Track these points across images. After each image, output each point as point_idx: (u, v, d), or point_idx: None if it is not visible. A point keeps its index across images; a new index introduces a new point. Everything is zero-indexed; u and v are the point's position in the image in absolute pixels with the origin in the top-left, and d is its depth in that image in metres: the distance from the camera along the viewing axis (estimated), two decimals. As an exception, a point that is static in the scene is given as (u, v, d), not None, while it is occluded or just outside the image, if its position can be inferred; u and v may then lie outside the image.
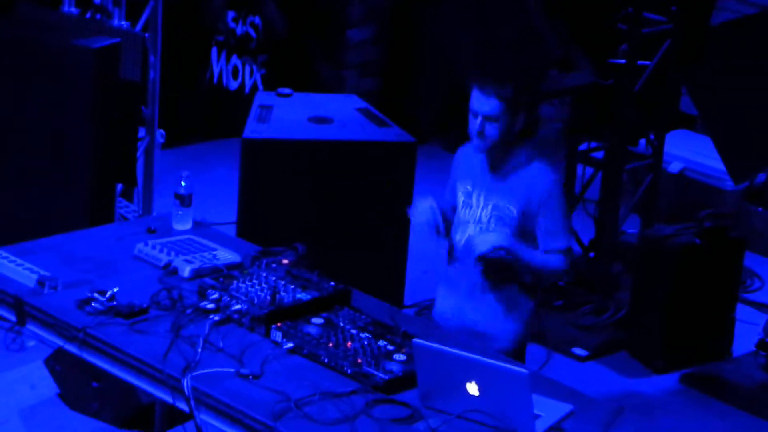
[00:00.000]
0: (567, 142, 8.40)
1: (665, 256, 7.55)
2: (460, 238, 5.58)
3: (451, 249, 5.72)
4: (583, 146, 8.12)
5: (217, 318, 5.50)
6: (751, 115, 7.29)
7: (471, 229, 5.49)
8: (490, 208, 5.44)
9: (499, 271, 5.44)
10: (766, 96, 7.28)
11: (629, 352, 7.69)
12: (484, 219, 5.45)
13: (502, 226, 5.42)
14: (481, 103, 5.25)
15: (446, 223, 5.65)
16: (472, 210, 5.48)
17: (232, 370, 4.99)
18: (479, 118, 5.26)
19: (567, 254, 5.47)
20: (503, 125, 5.27)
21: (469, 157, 5.51)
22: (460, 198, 5.57)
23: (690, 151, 9.22)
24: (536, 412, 4.72)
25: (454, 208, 5.65)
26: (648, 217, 8.20)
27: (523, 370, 4.75)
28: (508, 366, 4.80)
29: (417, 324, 5.84)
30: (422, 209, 5.59)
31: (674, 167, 9.10)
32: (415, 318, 6.86)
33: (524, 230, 5.41)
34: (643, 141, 8.27)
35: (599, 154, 8.00)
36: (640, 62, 7.78)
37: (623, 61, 7.73)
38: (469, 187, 5.49)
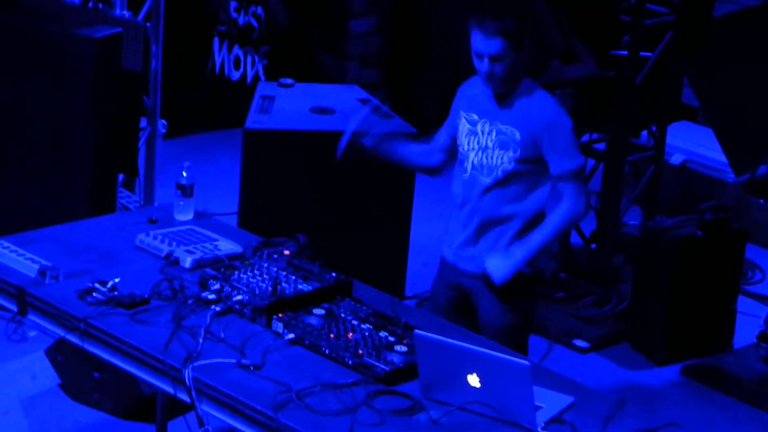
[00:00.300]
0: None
1: (667, 248, 7.55)
2: (465, 166, 5.53)
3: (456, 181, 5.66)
4: (584, 138, 8.12)
5: (218, 309, 5.47)
6: (753, 108, 7.26)
7: (473, 156, 5.47)
8: (494, 133, 5.45)
9: (522, 287, 5.37)
10: (762, 93, 7.27)
11: (630, 344, 7.68)
12: (489, 144, 5.46)
13: (506, 150, 5.41)
14: (486, 44, 5.23)
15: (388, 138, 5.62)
16: (476, 137, 5.49)
17: (234, 360, 4.98)
18: (485, 59, 5.26)
19: (579, 176, 5.43)
20: (510, 62, 5.28)
21: (475, 89, 5.52)
22: (465, 127, 5.53)
23: (692, 143, 9.21)
24: (537, 403, 4.71)
25: (453, 138, 5.60)
26: (649, 209, 8.18)
27: (524, 361, 4.76)
28: (509, 358, 4.80)
29: (418, 315, 5.82)
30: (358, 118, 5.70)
31: (676, 159, 9.11)
32: (416, 309, 6.83)
33: (529, 155, 5.36)
34: (644, 133, 8.23)
35: (601, 146, 8.01)
36: (642, 54, 7.75)
37: (625, 52, 7.70)
38: (475, 116, 5.49)
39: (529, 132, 5.39)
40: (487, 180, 5.52)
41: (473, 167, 5.55)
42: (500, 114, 5.49)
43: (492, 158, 5.53)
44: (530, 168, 5.47)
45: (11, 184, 7.57)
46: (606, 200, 7.97)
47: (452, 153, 5.73)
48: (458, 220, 5.61)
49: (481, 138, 5.58)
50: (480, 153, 5.56)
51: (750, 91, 7.28)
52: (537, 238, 5.40)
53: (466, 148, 5.57)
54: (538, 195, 5.50)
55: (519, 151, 5.44)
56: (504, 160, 5.41)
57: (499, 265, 5.35)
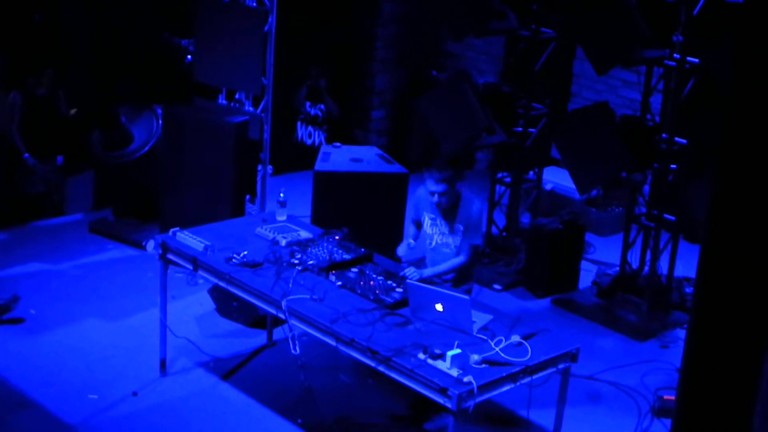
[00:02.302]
0: (491, 174, 9.39)
1: (543, 235, 8.85)
2: (429, 241, 6.60)
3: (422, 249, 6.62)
4: (500, 175, 9.20)
5: (300, 268, 6.49)
6: (588, 158, 8.05)
7: (437, 237, 6.59)
8: (446, 227, 6.57)
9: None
10: (595, 149, 7.95)
11: (524, 287, 8.95)
12: (444, 231, 6.56)
13: (453, 235, 6.47)
14: (435, 187, 6.32)
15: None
16: (437, 227, 6.59)
17: (308, 296, 6.18)
18: (435, 195, 6.33)
19: (476, 248, 6.47)
20: (449, 193, 6.37)
21: (427, 197, 6.48)
22: (428, 221, 6.58)
23: (557, 178, 10.13)
24: (473, 319, 5.97)
25: (419, 223, 6.65)
26: (534, 214, 9.23)
27: (466, 296, 6.00)
28: (458, 294, 5.99)
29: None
30: (403, 247, 6.65)
31: (548, 186, 10.09)
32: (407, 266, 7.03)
33: (464, 234, 6.42)
34: (532, 172, 9.28)
35: (508, 179, 9.11)
36: (530, 130, 8.90)
37: (521, 129, 8.89)
38: (432, 215, 6.56)
39: (464, 224, 6.41)
40: (443, 249, 6.46)
41: (435, 241, 6.50)
42: (446, 213, 6.47)
43: (446, 238, 6.52)
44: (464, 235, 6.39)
45: (190, 201, 8.53)
46: (511, 209, 9.09)
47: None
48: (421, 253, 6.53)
49: (439, 227, 6.59)
50: (440, 236, 6.58)
51: (586, 151, 8.01)
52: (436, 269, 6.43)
53: (431, 231, 6.53)
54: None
55: (461, 233, 6.45)
56: (451, 240, 6.32)
57: (413, 274, 6.30)
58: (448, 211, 6.31)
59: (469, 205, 6.28)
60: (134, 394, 6.97)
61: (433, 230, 6.41)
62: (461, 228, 6.30)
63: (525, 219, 9.09)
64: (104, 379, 7.15)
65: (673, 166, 8.01)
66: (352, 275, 6.34)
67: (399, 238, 8.08)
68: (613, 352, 8.05)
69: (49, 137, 9.25)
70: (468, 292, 6.45)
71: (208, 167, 8.33)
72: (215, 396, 7.03)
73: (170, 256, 6.78)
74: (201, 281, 7.29)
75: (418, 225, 6.58)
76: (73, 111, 9.24)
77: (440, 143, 8.08)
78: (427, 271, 6.25)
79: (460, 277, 6.51)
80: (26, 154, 9.10)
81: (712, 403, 3.01)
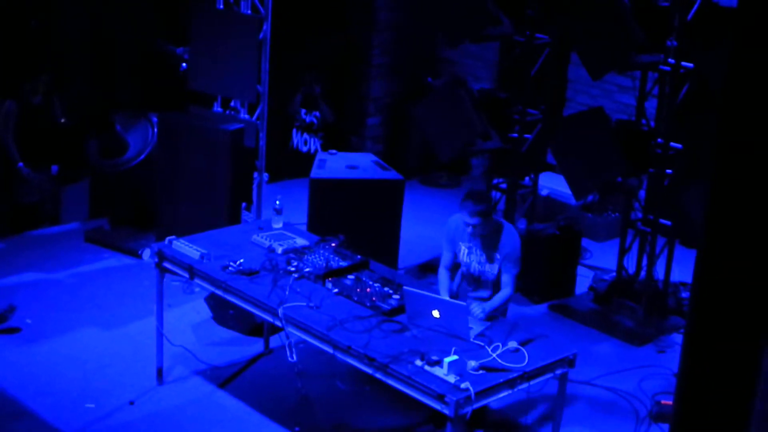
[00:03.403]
0: (487, 179, 9.35)
1: (540, 240, 8.84)
2: (465, 270, 6.55)
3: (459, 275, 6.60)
4: (495, 181, 9.12)
5: (296, 276, 6.47)
6: (583, 164, 8.04)
7: (474, 266, 6.52)
8: (483, 256, 6.48)
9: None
10: (590, 155, 8.04)
11: (521, 293, 8.83)
12: (481, 260, 6.49)
13: (491, 264, 6.43)
14: (470, 220, 6.28)
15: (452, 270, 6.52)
16: (474, 255, 6.52)
17: (305, 303, 6.16)
18: (470, 227, 6.29)
19: (516, 278, 6.45)
20: (484, 224, 6.33)
21: (463, 227, 6.41)
22: (464, 250, 6.50)
23: (553, 183, 10.11)
24: (470, 326, 6.00)
25: (455, 254, 6.55)
26: (530, 219, 9.19)
27: (463, 303, 6.03)
28: (454, 301, 6.08)
29: (405, 279, 6.94)
30: (443, 280, 6.54)
31: (544, 192, 10.09)
32: (404, 275, 7.65)
33: (502, 264, 6.39)
34: (527, 178, 9.15)
35: (504, 185, 9.06)
36: (526, 135, 8.80)
37: (516, 134, 8.81)
38: (468, 244, 6.49)
39: (502, 255, 6.36)
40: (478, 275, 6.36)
41: (473, 269, 6.41)
42: (483, 243, 6.41)
43: (484, 266, 6.44)
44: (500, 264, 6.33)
45: (186, 209, 8.51)
46: (507, 215, 8.94)
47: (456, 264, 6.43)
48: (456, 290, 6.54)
49: (476, 257, 6.50)
50: (477, 265, 6.50)
51: (582, 157, 8.08)
52: (494, 303, 6.38)
53: (467, 259, 6.48)
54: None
55: (497, 263, 6.37)
56: (481, 311, 6.25)
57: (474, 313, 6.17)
58: (486, 241, 6.36)
59: (512, 237, 6.36)
60: (131, 402, 6.98)
61: (470, 258, 6.46)
62: (499, 258, 6.35)
63: (521, 225, 9.09)
64: (101, 387, 7.16)
65: (668, 170, 8.06)
66: (348, 282, 6.38)
67: (395, 244, 8.27)
68: (610, 357, 8.08)
69: (44, 146, 9.27)
70: (503, 313, 6.63)
71: (204, 175, 8.38)
72: (212, 404, 7.06)
73: (166, 265, 6.77)
74: (197, 289, 7.43)
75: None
76: (62, 120, 9.26)
77: (436, 149, 7.97)
78: (487, 306, 6.35)
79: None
80: (20, 163, 9.12)
81: (709, 408, 3.01)
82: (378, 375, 5.57)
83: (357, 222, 7.90)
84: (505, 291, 6.33)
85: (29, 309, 8.10)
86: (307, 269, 6.46)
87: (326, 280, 6.34)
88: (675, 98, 7.86)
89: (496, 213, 6.46)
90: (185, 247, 6.72)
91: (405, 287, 6.02)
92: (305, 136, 11.23)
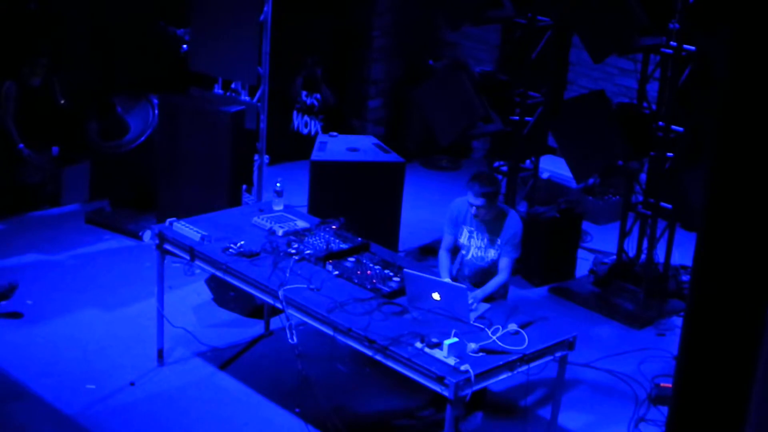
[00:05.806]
0: (489, 162, 9.42)
1: (540, 223, 8.90)
2: (465, 252, 6.54)
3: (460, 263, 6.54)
4: (497, 164, 9.20)
5: (297, 258, 6.52)
6: (583, 147, 8.10)
7: (474, 250, 6.53)
8: (485, 240, 6.50)
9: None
10: (591, 138, 8.05)
11: (521, 275, 8.98)
12: (482, 245, 6.52)
13: (493, 248, 6.46)
14: (474, 200, 6.28)
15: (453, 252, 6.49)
16: (475, 239, 6.53)
17: (305, 286, 6.21)
18: (473, 208, 6.29)
19: (515, 262, 6.51)
20: (488, 207, 6.33)
21: (467, 209, 6.41)
22: (466, 233, 6.49)
23: (553, 166, 10.19)
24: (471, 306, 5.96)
25: (457, 237, 6.53)
26: (531, 202, 9.25)
27: (462, 286, 6.03)
28: (454, 284, 6.07)
29: (405, 261, 6.97)
30: (444, 262, 6.51)
31: (545, 175, 10.09)
32: (404, 258, 7.59)
33: (501, 248, 6.42)
34: (528, 161, 9.24)
35: (505, 168, 9.12)
36: (527, 118, 8.88)
37: (517, 117, 8.89)
38: (471, 228, 6.50)
39: (504, 239, 6.38)
40: (479, 262, 6.40)
41: (472, 254, 6.43)
42: (487, 227, 6.45)
43: (484, 251, 6.45)
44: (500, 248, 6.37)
45: (186, 191, 8.56)
46: (508, 198, 9.02)
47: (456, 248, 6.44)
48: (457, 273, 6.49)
49: (477, 241, 6.52)
50: (477, 249, 6.51)
51: (582, 139, 8.11)
52: (489, 288, 6.37)
53: (469, 243, 6.47)
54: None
55: (498, 247, 6.42)
56: (478, 293, 6.22)
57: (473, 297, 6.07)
58: (489, 226, 6.37)
59: (515, 223, 6.38)
60: (132, 384, 7.04)
61: (471, 242, 6.48)
62: (500, 243, 6.37)
63: (522, 207, 9.14)
64: (101, 369, 7.23)
65: (669, 154, 8.10)
66: (349, 265, 6.42)
67: (396, 227, 8.33)
68: (610, 340, 8.15)
69: (44, 127, 9.29)
70: (503, 296, 6.63)
71: (205, 157, 8.43)
72: (213, 385, 7.11)
73: (167, 247, 6.81)
74: (198, 271, 7.35)
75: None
76: (62, 102, 9.29)
77: (436, 133, 7.98)
78: (479, 293, 6.29)
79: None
80: (21, 145, 9.16)
81: (708, 391, 3.01)
82: (378, 357, 5.62)
83: (358, 204, 7.96)
84: (500, 276, 6.33)
85: (30, 290, 8.13)
86: (308, 251, 6.49)
87: (327, 262, 6.37)
88: (677, 81, 7.90)
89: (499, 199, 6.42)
90: (186, 229, 6.77)
91: (405, 270, 6.04)
92: (306, 118, 11.29)
